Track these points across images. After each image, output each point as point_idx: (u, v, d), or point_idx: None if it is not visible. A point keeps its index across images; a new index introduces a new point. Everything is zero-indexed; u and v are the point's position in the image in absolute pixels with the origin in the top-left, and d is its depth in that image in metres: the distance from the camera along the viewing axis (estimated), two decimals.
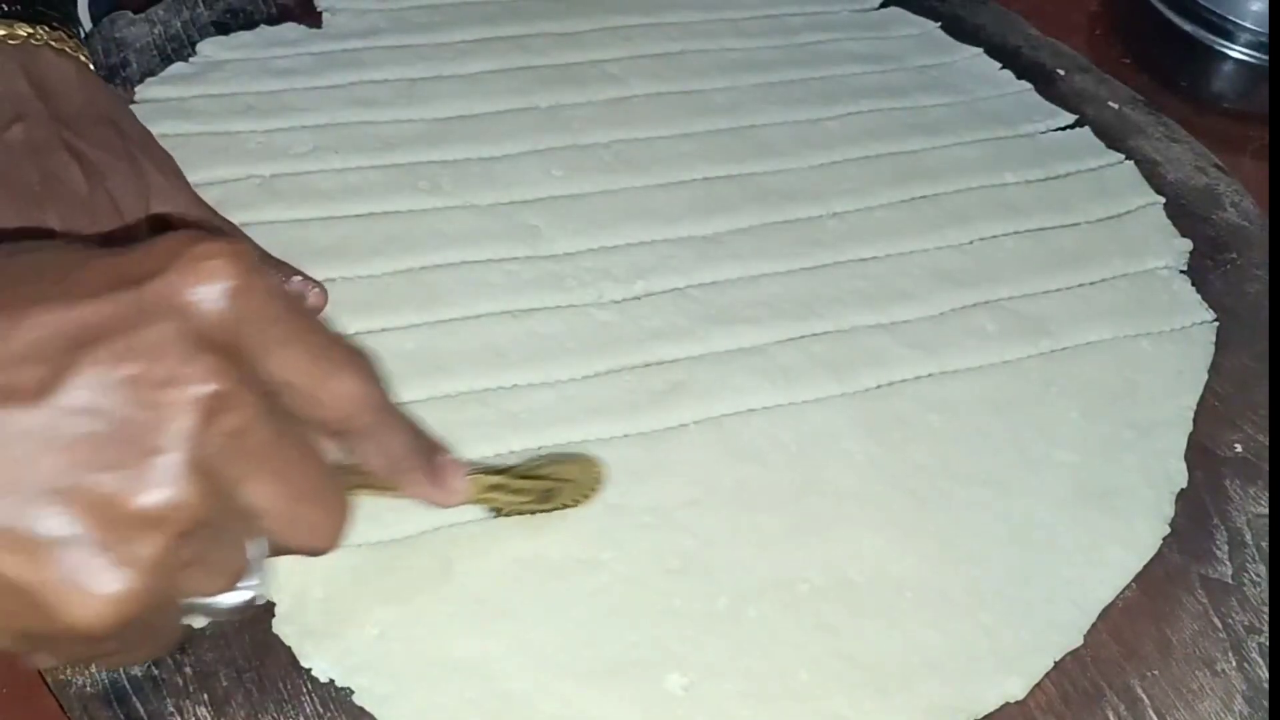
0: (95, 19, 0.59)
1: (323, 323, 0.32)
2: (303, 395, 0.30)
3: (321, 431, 0.32)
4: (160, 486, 0.28)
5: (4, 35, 0.46)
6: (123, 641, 0.29)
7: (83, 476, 0.27)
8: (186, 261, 0.29)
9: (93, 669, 0.38)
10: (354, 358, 0.32)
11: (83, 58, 0.48)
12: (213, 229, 0.47)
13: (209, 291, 0.29)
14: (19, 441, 0.27)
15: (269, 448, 0.29)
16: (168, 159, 0.48)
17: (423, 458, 0.36)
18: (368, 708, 0.38)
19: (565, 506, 0.43)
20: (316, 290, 0.47)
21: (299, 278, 0.47)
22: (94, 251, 0.30)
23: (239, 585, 0.31)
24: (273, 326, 0.30)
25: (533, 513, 0.42)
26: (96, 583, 0.27)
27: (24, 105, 0.45)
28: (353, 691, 0.38)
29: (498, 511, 0.42)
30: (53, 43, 0.47)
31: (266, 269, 0.30)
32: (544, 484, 0.42)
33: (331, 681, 0.39)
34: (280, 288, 0.30)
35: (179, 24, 0.60)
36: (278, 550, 0.31)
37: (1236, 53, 0.67)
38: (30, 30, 0.47)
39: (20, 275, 0.29)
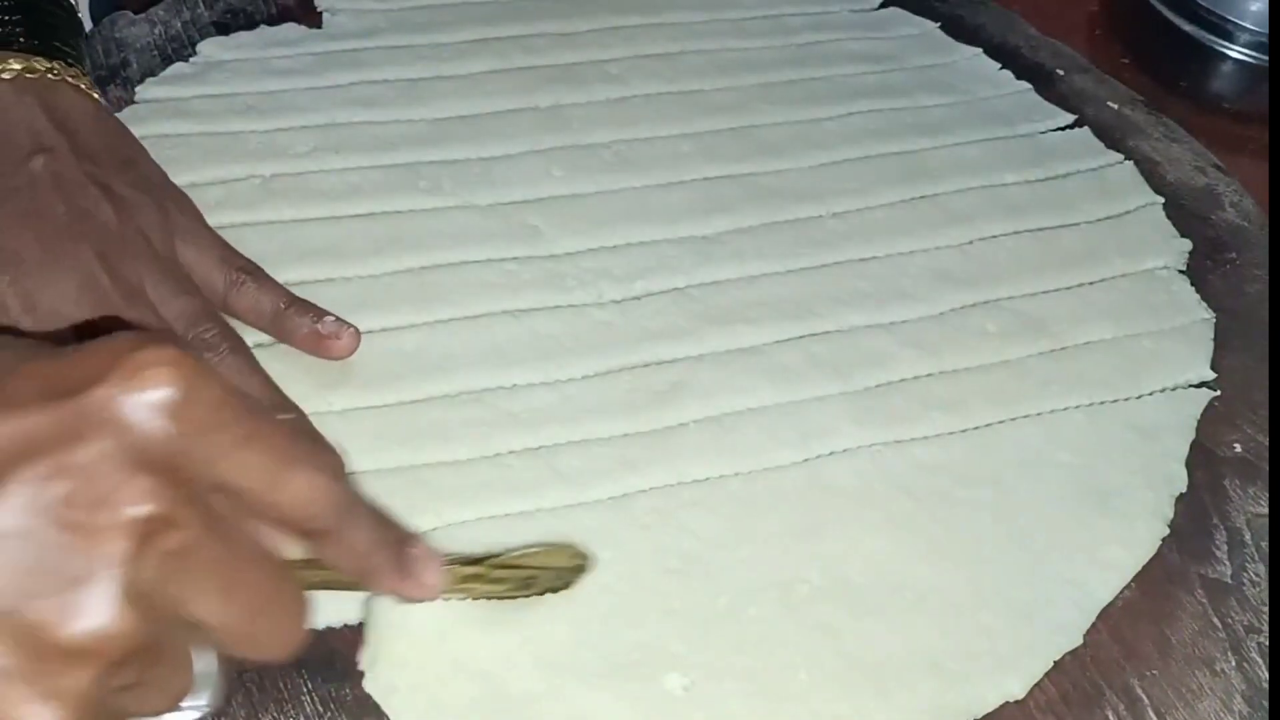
0: (95, 19, 0.59)
1: (279, 420, 0.30)
2: (258, 500, 0.29)
3: (280, 532, 0.30)
4: (90, 616, 0.26)
5: (21, 69, 0.45)
6: None
7: (9, 602, 0.26)
8: (125, 370, 0.27)
9: None
10: (314, 455, 0.30)
11: (96, 95, 0.48)
12: (243, 271, 0.46)
13: (149, 403, 0.27)
14: None
15: (217, 564, 0.28)
16: (186, 199, 0.48)
17: (391, 551, 0.35)
18: (377, 699, 0.38)
19: (546, 593, 0.41)
20: (350, 331, 0.46)
21: (331, 318, 0.46)
22: (29, 354, 0.28)
23: (184, 704, 0.29)
24: (221, 433, 0.28)
25: (511, 598, 0.41)
26: (21, 717, 0.26)
27: (45, 139, 0.44)
28: (362, 677, 0.39)
29: (473, 597, 0.40)
30: (69, 78, 0.47)
31: (214, 371, 0.28)
32: (523, 572, 0.40)
33: (333, 680, 0.39)
34: (230, 390, 0.28)
35: (179, 24, 0.60)
36: (229, 660, 0.30)
37: (1236, 53, 0.68)
38: (48, 65, 0.46)
39: None
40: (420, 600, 0.36)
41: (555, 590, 0.41)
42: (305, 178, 0.53)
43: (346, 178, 0.53)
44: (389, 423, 0.45)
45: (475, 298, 0.49)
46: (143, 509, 0.26)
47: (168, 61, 0.57)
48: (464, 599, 0.40)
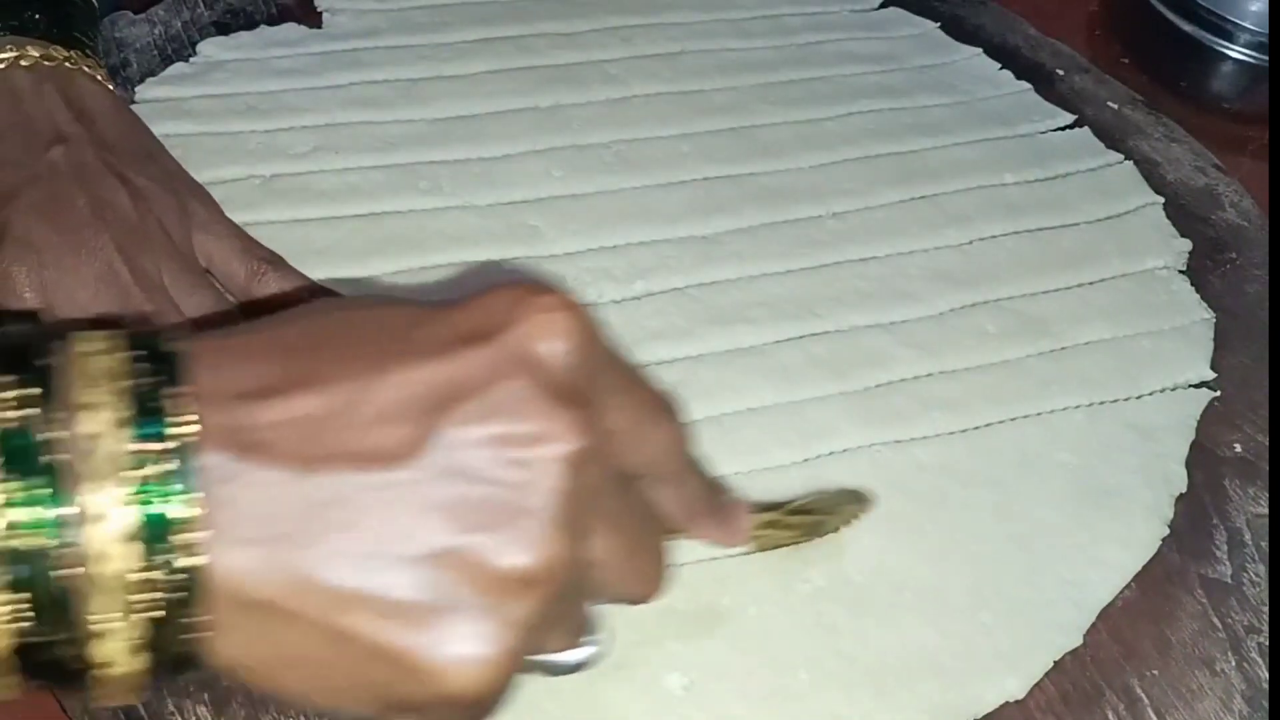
0: None
1: (639, 369, 0.31)
2: (629, 442, 0.30)
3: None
4: (535, 546, 0.27)
5: (40, 56, 0.45)
6: (488, 706, 0.28)
7: (455, 538, 0.27)
8: (532, 314, 0.28)
9: None
10: (670, 404, 0.32)
11: (112, 88, 0.48)
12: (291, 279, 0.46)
13: (558, 345, 0.28)
14: (388, 504, 0.27)
15: (615, 499, 0.29)
16: (205, 192, 0.48)
17: (712, 500, 0.36)
18: None
19: (827, 535, 0.43)
20: None
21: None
22: (425, 308, 0.29)
23: (582, 641, 0.31)
24: (611, 376, 0.30)
25: (793, 544, 0.42)
26: (474, 647, 0.27)
27: (65, 128, 0.44)
28: None
29: (760, 547, 0.41)
30: (86, 68, 0.47)
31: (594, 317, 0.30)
32: (811, 518, 0.42)
33: None
34: (609, 336, 0.30)
35: (179, 24, 0.60)
36: (604, 602, 0.32)
37: (1236, 53, 0.68)
38: (66, 54, 0.46)
39: (363, 335, 0.29)
40: (730, 546, 0.38)
41: (833, 532, 0.43)
42: (305, 178, 0.53)
43: (346, 178, 0.53)
44: None
45: None
46: (574, 443, 0.27)
47: (168, 61, 0.57)
48: (751, 550, 0.41)
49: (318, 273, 0.49)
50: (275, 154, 0.54)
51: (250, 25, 0.60)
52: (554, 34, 0.62)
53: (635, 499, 0.31)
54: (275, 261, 0.46)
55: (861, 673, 0.40)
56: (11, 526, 0.25)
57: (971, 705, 0.41)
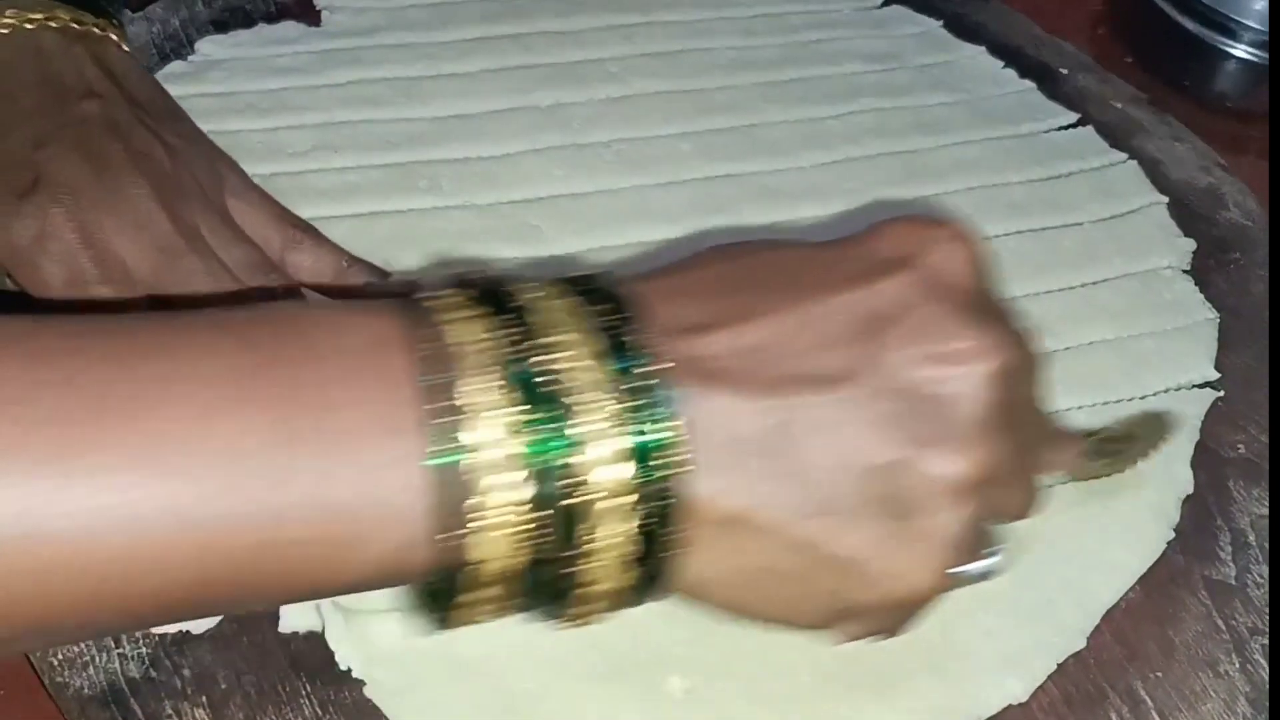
0: None
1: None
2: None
3: None
4: (972, 456, 0.29)
5: (69, 19, 0.45)
6: (923, 609, 0.32)
7: (900, 451, 0.29)
8: (940, 243, 0.31)
9: (90, 670, 0.38)
10: (1028, 332, 0.33)
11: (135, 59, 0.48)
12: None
13: (966, 270, 0.31)
14: (839, 423, 0.29)
15: (1023, 414, 0.32)
16: (234, 162, 0.48)
17: (1050, 429, 0.38)
18: (377, 701, 0.38)
19: (1135, 463, 0.44)
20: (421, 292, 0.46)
21: (396, 278, 0.46)
22: (833, 243, 0.32)
23: (986, 552, 0.33)
24: (993, 299, 0.32)
25: (1105, 475, 0.43)
26: (923, 553, 0.30)
27: (96, 85, 0.44)
28: (364, 683, 0.38)
29: (1075, 478, 0.42)
30: (114, 36, 0.47)
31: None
32: (1118, 445, 0.43)
33: (332, 683, 0.38)
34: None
35: (177, 22, 0.59)
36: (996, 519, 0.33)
37: (1240, 52, 0.67)
38: (95, 20, 0.46)
39: (788, 270, 0.31)
40: (1060, 473, 0.40)
41: (1143, 458, 0.44)
42: (304, 177, 0.53)
43: (346, 177, 0.53)
44: None
45: None
46: (999, 358, 0.30)
47: (165, 60, 0.57)
48: (1066, 481, 0.42)
49: None
50: (274, 153, 0.53)
51: (248, 23, 0.60)
52: (554, 32, 0.62)
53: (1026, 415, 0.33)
54: (309, 229, 0.46)
55: (863, 675, 0.40)
56: (530, 448, 0.27)
57: (974, 707, 0.40)
